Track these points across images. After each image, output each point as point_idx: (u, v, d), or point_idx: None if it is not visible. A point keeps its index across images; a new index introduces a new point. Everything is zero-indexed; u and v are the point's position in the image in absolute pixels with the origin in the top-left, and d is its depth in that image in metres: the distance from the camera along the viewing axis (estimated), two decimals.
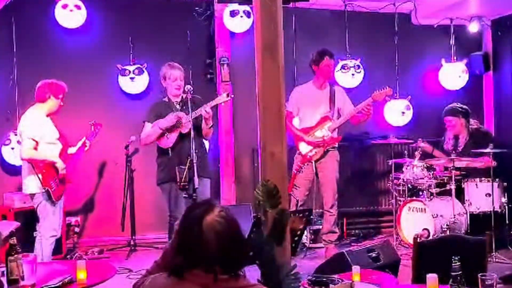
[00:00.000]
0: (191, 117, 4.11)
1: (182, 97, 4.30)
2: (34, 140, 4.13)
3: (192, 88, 4.27)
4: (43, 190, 4.13)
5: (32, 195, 4.21)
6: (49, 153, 4.21)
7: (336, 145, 5.14)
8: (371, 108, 4.97)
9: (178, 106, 4.40)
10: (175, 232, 1.74)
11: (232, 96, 4.34)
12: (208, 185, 4.44)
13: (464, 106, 5.43)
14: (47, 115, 4.30)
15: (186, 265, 1.63)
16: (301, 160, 5.05)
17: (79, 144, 4.51)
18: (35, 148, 4.15)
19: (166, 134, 4.35)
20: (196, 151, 3.99)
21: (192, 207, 1.76)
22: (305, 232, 5.11)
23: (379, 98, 4.99)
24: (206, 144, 4.88)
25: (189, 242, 1.63)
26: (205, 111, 4.20)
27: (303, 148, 5.04)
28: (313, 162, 4.99)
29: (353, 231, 6.00)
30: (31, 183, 4.18)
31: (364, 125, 6.05)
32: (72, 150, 4.47)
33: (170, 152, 4.34)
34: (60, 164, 4.23)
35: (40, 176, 4.12)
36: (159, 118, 4.39)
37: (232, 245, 1.64)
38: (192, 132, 4.01)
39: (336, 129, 5.11)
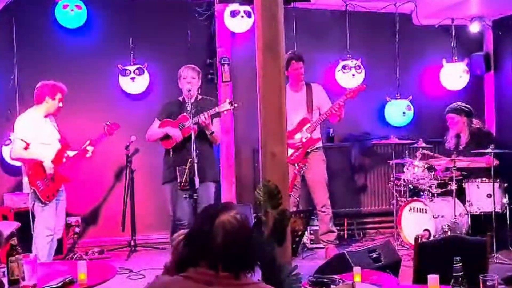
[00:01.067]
0: (193, 122, 4.12)
1: (197, 98, 4.31)
2: (24, 141, 4.15)
3: (192, 89, 4.30)
4: (31, 190, 4.17)
5: (28, 195, 4.27)
6: (38, 153, 4.20)
7: (320, 146, 5.13)
8: (343, 107, 4.93)
9: (189, 108, 4.40)
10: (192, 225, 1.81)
11: (236, 105, 4.32)
12: (211, 189, 4.43)
13: (468, 106, 5.42)
14: (45, 116, 4.30)
15: (191, 258, 1.67)
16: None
17: (82, 147, 4.47)
18: (25, 149, 4.16)
19: (170, 136, 4.37)
20: (197, 152, 3.99)
21: (211, 205, 1.85)
22: (306, 232, 5.11)
23: (351, 96, 4.97)
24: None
25: (197, 235, 1.69)
26: (204, 118, 4.20)
27: None
28: (296, 165, 4.97)
29: (354, 231, 5.99)
30: (25, 183, 4.26)
31: (365, 126, 6.07)
32: (70, 153, 4.45)
33: (171, 152, 4.35)
34: (47, 164, 4.21)
35: (27, 176, 4.16)
36: (169, 117, 4.43)
37: (237, 246, 1.67)
38: (193, 134, 4.01)
39: (318, 130, 5.11)
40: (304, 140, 5.00)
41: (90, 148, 4.47)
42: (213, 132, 4.36)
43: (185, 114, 4.36)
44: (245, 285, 1.69)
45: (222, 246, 1.64)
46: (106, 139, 4.65)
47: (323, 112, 5.04)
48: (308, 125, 5.04)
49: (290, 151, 5.02)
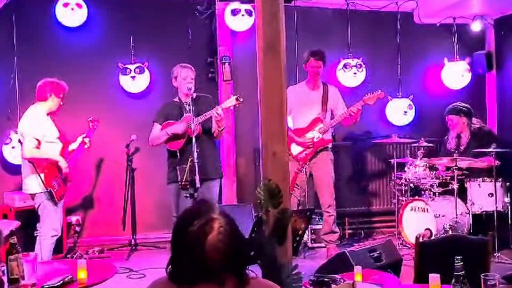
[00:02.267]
0: (197, 121, 4.11)
1: (192, 97, 4.30)
2: (36, 139, 4.11)
3: (193, 88, 4.29)
4: (45, 190, 4.11)
5: (33, 195, 4.20)
6: (51, 152, 4.19)
7: (329, 146, 5.13)
8: (359, 112, 4.95)
9: (188, 107, 4.38)
10: (172, 241, 1.64)
11: (241, 100, 4.32)
12: (216, 186, 4.42)
13: (467, 105, 5.41)
14: (47, 114, 4.30)
15: (190, 278, 1.58)
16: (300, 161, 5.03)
17: (79, 140, 4.49)
18: (37, 147, 4.13)
19: (175, 138, 4.35)
20: (198, 150, 3.97)
21: (188, 219, 1.60)
22: (307, 231, 5.10)
23: (370, 101, 4.98)
24: None
25: (192, 261, 1.57)
26: (217, 113, 4.19)
27: (294, 149, 5.03)
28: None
29: (355, 231, 5.98)
30: (33, 183, 4.15)
31: (366, 125, 6.05)
32: (72, 146, 4.45)
33: (178, 154, 4.33)
34: (63, 163, 4.20)
35: (42, 176, 4.09)
36: (168, 119, 4.40)
37: (235, 256, 1.60)
38: (194, 134, 3.99)
39: (330, 130, 5.11)
40: (315, 140, 4.99)
41: (87, 140, 4.49)
42: (224, 128, 4.36)
43: (188, 114, 4.33)
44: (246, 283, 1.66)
45: (222, 265, 1.56)
46: (92, 136, 4.63)
47: (338, 115, 5.03)
48: (321, 125, 5.02)
49: (300, 149, 5.01)
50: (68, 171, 4.25)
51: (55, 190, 4.13)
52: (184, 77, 4.38)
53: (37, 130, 4.14)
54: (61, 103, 4.33)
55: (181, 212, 1.72)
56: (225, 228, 1.58)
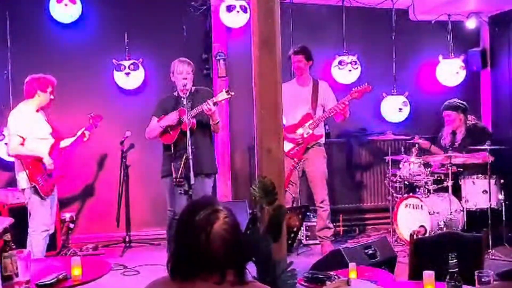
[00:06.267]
0: (190, 115, 4.08)
1: (190, 91, 4.28)
2: (20, 136, 4.11)
3: (188, 84, 4.26)
4: (31, 186, 4.12)
5: (22, 190, 4.22)
6: (37, 149, 4.17)
7: (321, 141, 5.13)
8: (347, 107, 4.94)
9: (185, 101, 4.36)
10: (176, 233, 1.67)
11: (233, 93, 4.30)
12: (209, 183, 4.38)
13: (463, 102, 5.44)
14: (38, 110, 4.26)
15: (193, 270, 1.60)
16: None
17: (78, 133, 4.46)
18: (22, 144, 4.12)
19: (169, 131, 4.33)
20: (193, 147, 3.96)
21: (194, 209, 1.65)
22: (301, 228, 5.11)
23: (357, 96, 4.98)
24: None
25: (196, 250, 1.59)
26: (207, 108, 4.16)
27: (285, 146, 5.01)
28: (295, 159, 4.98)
29: (349, 227, 5.99)
30: (21, 179, 4.17)
31: (361, 121, 6.06)
32: (66, 142, 4.43)
33: (172, 147, 4.32)
34: (47, 160, 4.18)
35: (27, 171, 4.11)
36: (166, 113, 4.38)
37: (237, 249, 1.62)
38: (188, 129, 3.97)
39: (321, 126, 5.11)
40: (305, 135, 5.00)
41: (87, 133, 4.49)
42: (218, 122, 4.34)
43: (182, 108, 4.31)
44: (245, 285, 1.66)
45: (223, 256, 1.59)
46: (93, 131, 4.61)
47: (327, 110, 5.04)
48: (311, 121, 5.03)
49: (290, 146, 5.02)
50: (53, 167, 4.21)
51: (40, 185, 4.13)
52: (180, 72, 4.35)
53: (22, 127, 4.13)
54: (52, 97, 4.28)
55: (186, 205, 1.75)
56: (229, 218, 1.63)
